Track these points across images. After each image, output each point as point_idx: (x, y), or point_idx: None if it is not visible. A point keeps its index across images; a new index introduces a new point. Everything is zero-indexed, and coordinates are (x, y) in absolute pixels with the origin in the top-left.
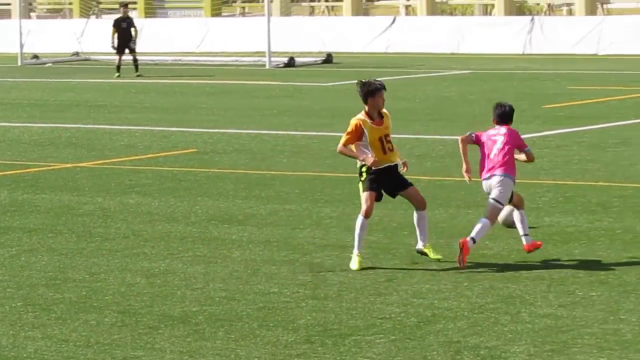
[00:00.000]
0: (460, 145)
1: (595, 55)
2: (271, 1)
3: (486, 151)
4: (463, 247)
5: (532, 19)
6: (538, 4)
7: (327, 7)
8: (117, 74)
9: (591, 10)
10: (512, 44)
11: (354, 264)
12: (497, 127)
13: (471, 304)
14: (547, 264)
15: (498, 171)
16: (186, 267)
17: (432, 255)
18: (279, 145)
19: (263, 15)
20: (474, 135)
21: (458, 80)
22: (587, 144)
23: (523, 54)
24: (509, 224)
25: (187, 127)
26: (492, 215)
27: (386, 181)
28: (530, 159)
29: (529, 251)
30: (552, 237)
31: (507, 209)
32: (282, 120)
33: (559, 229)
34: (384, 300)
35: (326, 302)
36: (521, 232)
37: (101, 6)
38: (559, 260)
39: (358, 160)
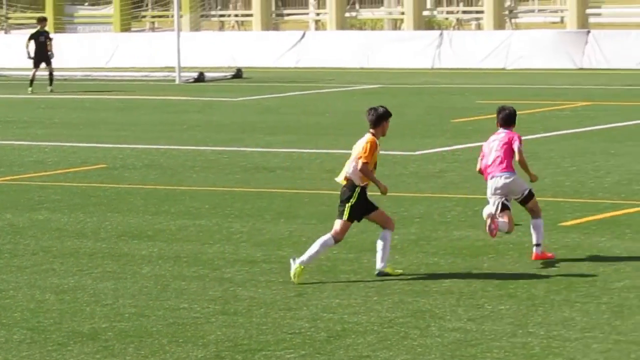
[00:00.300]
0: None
1: (504, 69)
2: (181, 16)
3: (486, 153)
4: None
5: (441, 34)
6: (447, 19)
7: (236, 21)
8: (29, 89)
9: (499, 25)
10: (421, 59)
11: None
12: (500, 130)
13: (381, 319)
14: (456, 278)
15: (497, 171)
16: (96, 283)
17: (393, 271)
18: (189, 160)
19: (173, 30)
20: (479, 167)
21: (368, 95)
22: None
23: (432, 69)
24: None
25: (96, 143)
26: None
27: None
28: (520, 158)
29: (537, 259)
30: (462, 251)
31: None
32: (192, 135)
33: (468, 242)
34: (294, 315)
35: (236, 318)
36: (534, 240)
37: (10, 21)
38: (468, 274)
39: (359, 184)
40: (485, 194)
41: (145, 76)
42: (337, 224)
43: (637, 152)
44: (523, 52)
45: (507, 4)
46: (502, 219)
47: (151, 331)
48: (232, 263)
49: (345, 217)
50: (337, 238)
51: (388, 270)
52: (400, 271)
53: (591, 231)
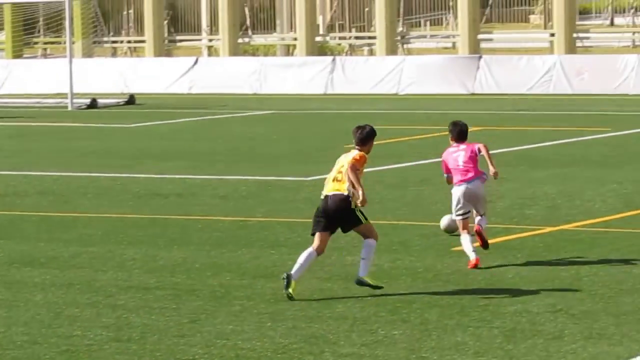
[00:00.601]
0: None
1: (396, 94)
2: (73, 42)
3: (452, 166)
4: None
5: (334, 59)
6: (339, 44)
7: (129, 48)
8: None
9: (392, 50)
10: (314, 84)
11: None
12: (455, 144)
13: (275, 345)
14: (350, 303)
15: (468, 180)
16: None
17: (372, 282)
18: (82, 187)
19: (65, 56)
20: (446, 175)
21: (261, 121)
22: (388, 183)
23: (325, 94)
24: (452, 230)
25: None
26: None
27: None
28: (486, 152)
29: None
30: (354, 276)
31: (447, 217)
32: (85, 161)
33: None
34: (188, 341)
35: (129, 345)
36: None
37: None
38: (361, 299)
39: (350, 190)
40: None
41: (38, 103)
42: (368, 227)
43: (528, 177)
44: (415, 78)
45: (399, 29)
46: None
47: (44, 359)
48: (126, 290)
49: (365, 219)
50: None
51: (368, 279)
52: (382, 285)
53: (484, 255)
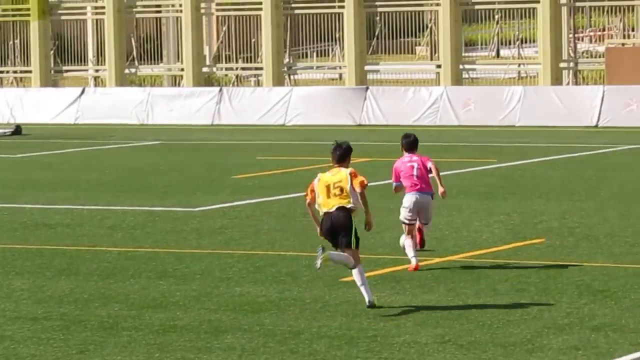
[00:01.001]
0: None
1: (283, 125)
2: None
3: (404, 174)
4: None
5: (221, 90)
6: (226, 75)
7: (15, 78)
8: None
9: (279, 81)
10: (201, 115)
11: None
12: (407, 154)
13: None
14: (239, 334)
15: (421, 190)
16: None
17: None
18: None
19: None
20: (395, 183)
21: (148, 151)
22: (276, 214)
23: (212, 125)
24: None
25: None
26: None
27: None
28: (436, 172)
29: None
30: (243, 307)
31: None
32: None
33: (250, 298)
34: None
35: None
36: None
37: None
38: (250, 330)
39: (354, 208)
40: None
41: None
42: (354, 253)
43: None
44: (302, 109)
45: (286, 60)
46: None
47: None
48: (13, 320)
49: (356, 245)
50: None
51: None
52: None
53: (372, 286)
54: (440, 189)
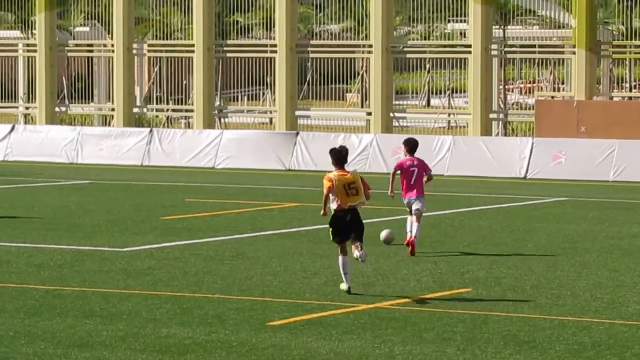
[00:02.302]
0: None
1: (213, 168)
2: None
3: (407, 178)
4: (412, 245)
5: (151, 131)
6: (157, 116)
7: None
8: None
9: (209, 124)
10: (131, 155)
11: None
12: (409, 157)
13: None
14: None
15: (418, 194)
16: None
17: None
18: None
19: None
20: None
21: (77, 190)
22: (204, 256)
23: (142, 165)
24: (389, 242)
25: None
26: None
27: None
28: (430, 179)
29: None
30: (170, 348)
31: (386, 231)
32: None
33: (176, 340)
34: None
35: None
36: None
37: None
38: None
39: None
40: None
41: None
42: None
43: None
44: (232, 152)
45: (217, 103)
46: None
47: None
48: None
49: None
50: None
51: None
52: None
53: (299, 331)
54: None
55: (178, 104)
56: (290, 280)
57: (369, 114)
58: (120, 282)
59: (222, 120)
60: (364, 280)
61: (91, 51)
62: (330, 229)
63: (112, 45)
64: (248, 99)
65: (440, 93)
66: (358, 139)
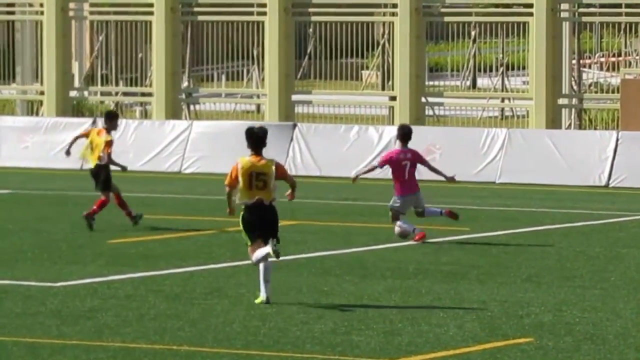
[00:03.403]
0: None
1: (179, 173)
2: None
3: (397, 172)
4: (423, 236)
5: (94, 122)
6: (102, 102)
7: None
8: None
9: (174, 113)
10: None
11: None
12: (402, 149)
13: None
14: None
15: (416, 190)
16: None
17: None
18: None
19: None
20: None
21: None
22: (167, 294)
23: (81, 170)
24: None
25: None
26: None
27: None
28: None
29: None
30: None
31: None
32: None
33: None
34: None
35: None
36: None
37: None
38: None
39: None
40: None
41: None
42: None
43: (358, 290)
44: (205, 151)
45: (184, 84)
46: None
47: None
48: None
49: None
50: None
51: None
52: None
53: None
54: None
55: (131, 86)
56: (284, 327)
57: (393, 98)
58: (52, 328)
59: (192, 107)
60: (386, 327)
61: (12, 13)
62: (242, 229)
63: (41, 5)
64: (227, 79)
65: (491, 70)
66: (378, 133)
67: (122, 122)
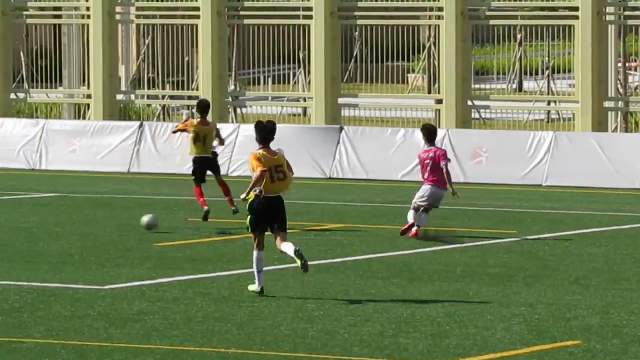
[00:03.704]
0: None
1: (226, 176)
2: None
3: (422, 171)
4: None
5: (141, 125)
6: (149, 106)
7: None
8: None
9: (220, 116)
10: (114, 159)
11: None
12: (426, 147)
13: None
14: None
15: (432, 183)
16: None
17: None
18: None
19: None
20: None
21: (40, 207)
22: (214, 297)
23: (128, 173)
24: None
25: None
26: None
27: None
28: (446, 171)
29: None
30: None
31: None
32: None
33: None
34: None
35: None
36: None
37: None
38: None
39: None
40: None
41: None
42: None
43: (404, 293)
44: None
45: (231, 88)
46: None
47: None
48: None
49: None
50: None
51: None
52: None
53: None
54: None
55: (177, 89)
56: (332, 330)
57: (439, 101)
58: (100, 331)
59: (238, 110)
60: (434, 329)
61: (59, 17)
62: (249, 217)
63: (87, 9)
64: (273, 82)
65: (537, 73)
66: None
67: (169, 126)
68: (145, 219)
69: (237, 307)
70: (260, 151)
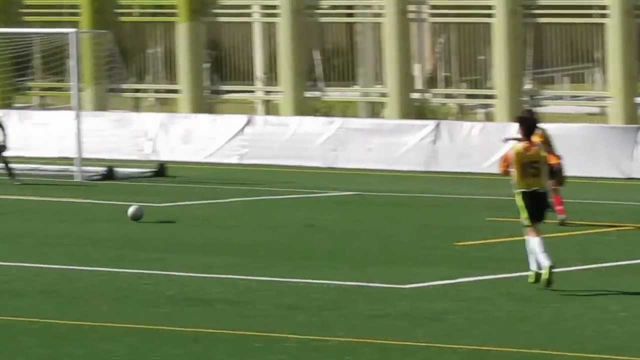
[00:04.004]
0: None
1: None
2: (81, 90)
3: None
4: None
5: (438, 125)
6: (445, 104)
7: (157, 99)
8: None
9: (513, 115)
10: (411, 157)
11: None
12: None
13: None
14: None
15: None
16: None
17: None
18: (97, 285)
19: (70, 108)
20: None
21: (337, 205)
22: (517, 297)
23: (426, 171)
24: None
25: None
26: None
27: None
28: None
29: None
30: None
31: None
32: (101, 252)
33: None
34: None
35: None
36: None
37: None
38: None
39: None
40: None
41: (34, 170)
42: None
43: None
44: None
45: (526, 86)
46: None
47: None
48: None
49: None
50: None
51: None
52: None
53: None
54: None
55: (473, 88)
56: (638, 331)
57: None
58: (401, 330)
59: (535, 109)
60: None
61: (352, 15)
62: (524, 211)
63: (380, 8)
64: (571, 81)
65: None
66: None
67: (466, 125)
68: (131, 209)
69: (539, 307)
70: (518, 146)
